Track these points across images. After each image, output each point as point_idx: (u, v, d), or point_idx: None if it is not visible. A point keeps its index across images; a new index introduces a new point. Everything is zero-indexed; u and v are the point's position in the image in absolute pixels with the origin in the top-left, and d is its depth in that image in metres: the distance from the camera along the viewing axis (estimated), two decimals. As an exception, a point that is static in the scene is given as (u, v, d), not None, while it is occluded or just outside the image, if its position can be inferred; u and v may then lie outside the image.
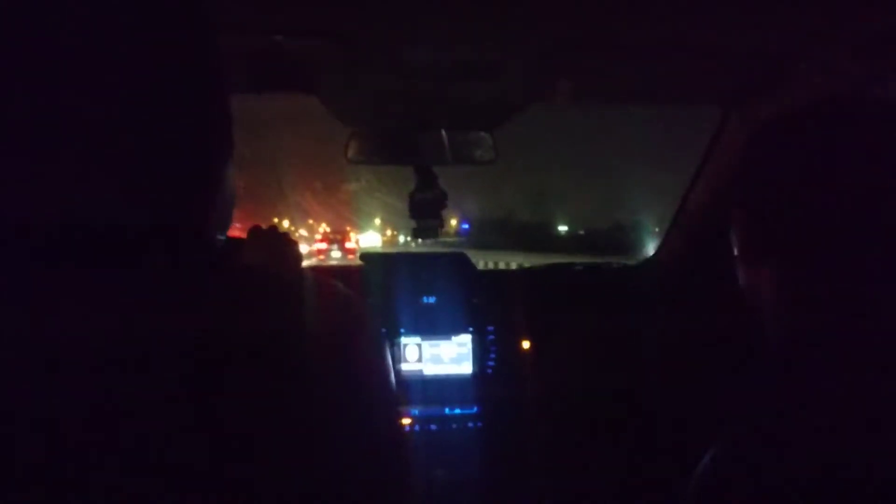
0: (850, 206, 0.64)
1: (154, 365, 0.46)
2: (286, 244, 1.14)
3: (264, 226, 1.18)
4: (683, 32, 1.21)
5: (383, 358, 0.60)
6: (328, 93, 1.59)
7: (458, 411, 1.75)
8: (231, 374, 0.48)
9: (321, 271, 2.28)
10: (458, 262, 1.92)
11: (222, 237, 0.60)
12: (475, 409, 1.75)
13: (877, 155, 0.65)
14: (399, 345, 1.74)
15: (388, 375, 0.60)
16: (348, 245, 27.34)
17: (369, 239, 40.66)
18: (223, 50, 0.57)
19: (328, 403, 0.52)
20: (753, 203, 0.73)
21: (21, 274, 0.47)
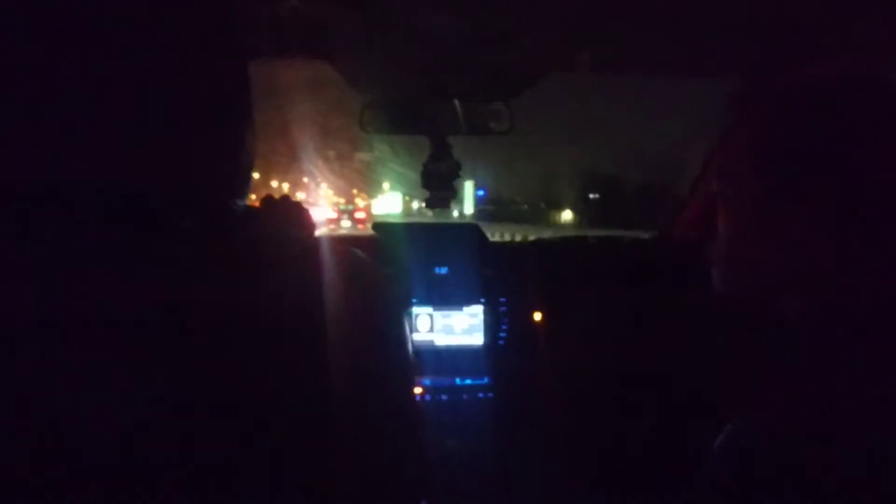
0: (873, 183, 0.63)
1: (173, 327, 0.47)
2: (300, 212, 1.16)
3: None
4: (705, 1, 1.18)
5: (399, 324, 0.61)
6: (343, 60, 1.57)
7: (469, 382, 1.75)
8: (249, 337, 0.49)
9: (335, 240, 2.29)
10: (471, 233, 1.91)
11: (241, 203, 0.60)
12: (486, 379, 1.76)
13: None
14: (411, 315, 1.74)
15: (403, 341, 0.61)
16: (358, 215, 27.79)
17: (389, 203, 39.48)
18: (240, 15, 0.57)
19: (344, 368, 0.52)
20: (772, 177, 0.71)
21: (43, 239, 0.47)
